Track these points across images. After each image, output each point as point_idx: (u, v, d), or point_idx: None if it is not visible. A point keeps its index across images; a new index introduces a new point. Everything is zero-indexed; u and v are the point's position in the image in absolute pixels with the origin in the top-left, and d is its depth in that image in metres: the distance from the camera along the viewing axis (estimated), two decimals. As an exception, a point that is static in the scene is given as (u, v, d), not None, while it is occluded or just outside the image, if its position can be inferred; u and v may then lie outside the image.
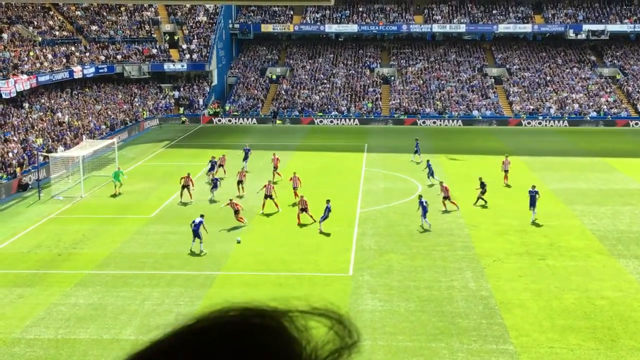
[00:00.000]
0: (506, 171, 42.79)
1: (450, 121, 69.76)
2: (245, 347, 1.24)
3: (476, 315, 23.59)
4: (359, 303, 24.75)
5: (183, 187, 38.88)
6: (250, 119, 70.86)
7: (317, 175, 45.54)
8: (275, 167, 44.15)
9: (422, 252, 30.23)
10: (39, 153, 46.48)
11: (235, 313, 1.30)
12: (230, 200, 34.66)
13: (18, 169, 44.27)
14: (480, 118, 69.66)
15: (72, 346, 21.54)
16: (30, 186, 43.01)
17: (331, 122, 70.20)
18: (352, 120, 70.24)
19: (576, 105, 71.03)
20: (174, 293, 25.76)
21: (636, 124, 67.89)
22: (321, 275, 27.68)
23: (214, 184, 39.90)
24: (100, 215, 36.78)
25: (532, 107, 71.37)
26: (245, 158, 47.50)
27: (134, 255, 30.16)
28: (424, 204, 33.56)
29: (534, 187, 35.16)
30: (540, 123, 68.99)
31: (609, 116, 69.25)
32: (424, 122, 69.60)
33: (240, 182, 40.32)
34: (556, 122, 68.97)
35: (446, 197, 36.46)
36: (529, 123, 69.01)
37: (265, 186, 36.96)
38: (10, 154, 46.23)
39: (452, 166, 48.76)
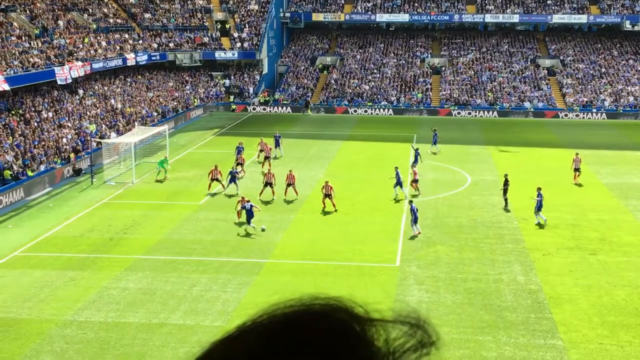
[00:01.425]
0: (577, 169, 40.42)
1: (486, 112, 69.03)
2: (329, 346, 1.25)
3: (524, 309, 23.35)
4: (405, 294, 24.70)
5: (212, 179, 38.40)
6: (284, 108, 71.10)
7: (366, 164, 45.47)
8: (263, 150, 45.64)
9: (470, 244, 30.00)
10: (93, 139, 47.29)
11: (321, 306, 1.32)
12: (242, 198, 33.70)
13: (72, 155, 45.08)
14: (532, 110, 68.69)
15: (122, 329, 21.93)
16: (83, 171, 43.81)
17: (365, 111, 70.07)
18: (386, 110, 70.05)
19: (631, 98, 69.57)
20: (221, 279, 26.02)
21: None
22: (368, 265, 27.68)
23: (232, 178, 38.20)
24: (150, 201, 37.30)
25: (585, 99, 70.12)
26: (277, 145, 47.70)
27: (183, 241, 30.54)
28: (399, 175, 36.22)
29: (539, 188, 33.35)
30: (577, 115, 67.88)
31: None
32: (458, 113, 69.03)
33: (240, 164, 42.43)
34: (593, 114, 67.76)
35: (414, 181, 37.71)
36: (565, 115, 67.92)
37: (266, 174, 37.46)
38: (65, 140, 47.12)
39: (502, 158, 48.16)
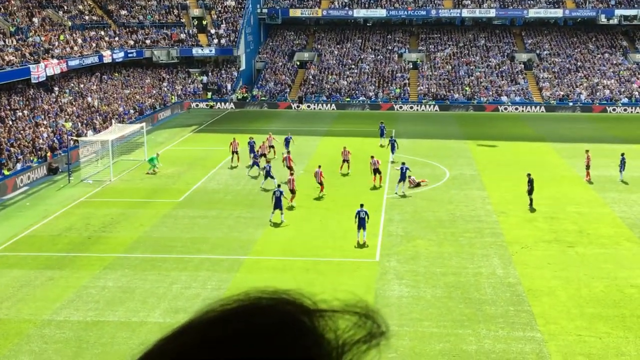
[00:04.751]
0: (588, 167, 39.63)
1: (427, 106, 69.47)
2: (275, 338, 1.23)
3: (503, 302, 23.48)
4: (385, 289, 24.74)
5: (233, 152, 43.39)
6: (228, 104, 71.26)
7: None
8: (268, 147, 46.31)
9: (449, 238, 30.11)
10: (69, 137, 46.89)
11: (268, 301, 1.30)
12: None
13: (49, 153, 44.68)
14: (509, 104, 69.11)
15: (101, 328, 21.79)
16: (60, 170, 43.44)
17: (308, 106, 70.32)
18: (329, 105, 70.38)
19: (607, 92, 70.16)
20: (201, 277, 25.93)
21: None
22: (348, 260, 27.70)
23: (267, 173, 38.28)
24: (129, 199, 37.08)
25: (562, 93, 70.62)
26: (286, 146, 47.04)
27: (162, 239, 30.39)
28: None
29: (403, 163, 37.36)
30: (517, 109, 68.52)
31: (641, 102, 68.49)
32: (401, 108, 69.47)
33: (263, 154, 44.17)
34: (534, 107, 68.53)
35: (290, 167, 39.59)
36: (505, 109, 68.49)
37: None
38: (41, 139, 46.68)
39: (480, 152, 48.38)
